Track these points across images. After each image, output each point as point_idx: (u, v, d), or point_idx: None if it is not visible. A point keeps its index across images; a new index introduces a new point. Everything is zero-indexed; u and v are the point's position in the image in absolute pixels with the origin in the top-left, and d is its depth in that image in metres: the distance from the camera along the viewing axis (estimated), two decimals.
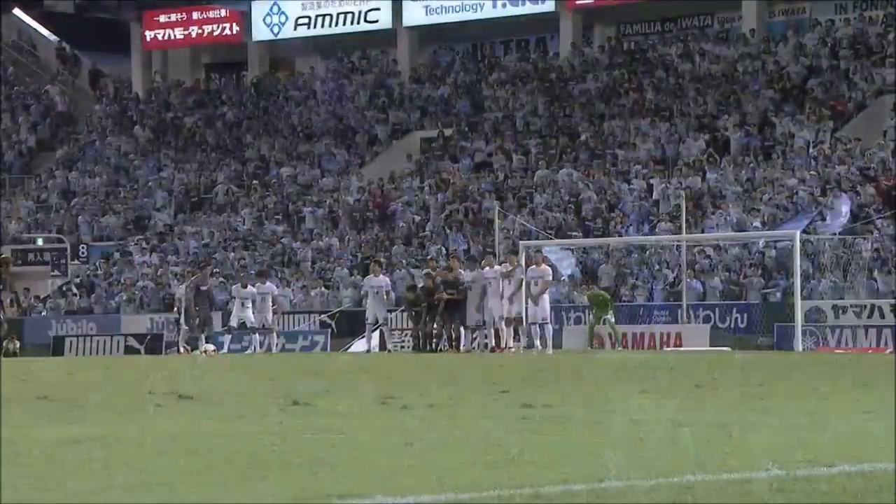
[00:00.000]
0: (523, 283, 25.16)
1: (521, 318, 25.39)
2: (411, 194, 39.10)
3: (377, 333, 27.80)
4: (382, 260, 31.96)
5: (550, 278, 25.90)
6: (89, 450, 6.70)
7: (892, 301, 27.31)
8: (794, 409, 9.08)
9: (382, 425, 8.09)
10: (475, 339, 26.45)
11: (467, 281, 25.94)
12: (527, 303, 25.16)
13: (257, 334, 28.23)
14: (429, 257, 29.49)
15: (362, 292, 28.82)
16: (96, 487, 5.24)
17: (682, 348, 27.62)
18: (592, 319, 28.27)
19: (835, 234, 30.07)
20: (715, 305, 29.85)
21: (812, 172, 33.28)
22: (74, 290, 38.97)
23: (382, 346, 27.90)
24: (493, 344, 25.73)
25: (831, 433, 7.25)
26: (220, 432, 7.60)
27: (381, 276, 27.70)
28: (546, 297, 25.15)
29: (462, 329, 26.11)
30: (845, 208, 30.25)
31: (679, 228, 31.00)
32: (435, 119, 42.84)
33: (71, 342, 33.98)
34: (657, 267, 32.11)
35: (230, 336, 28.81)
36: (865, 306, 27.87)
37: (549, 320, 25.18)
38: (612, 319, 28.08)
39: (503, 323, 25.46)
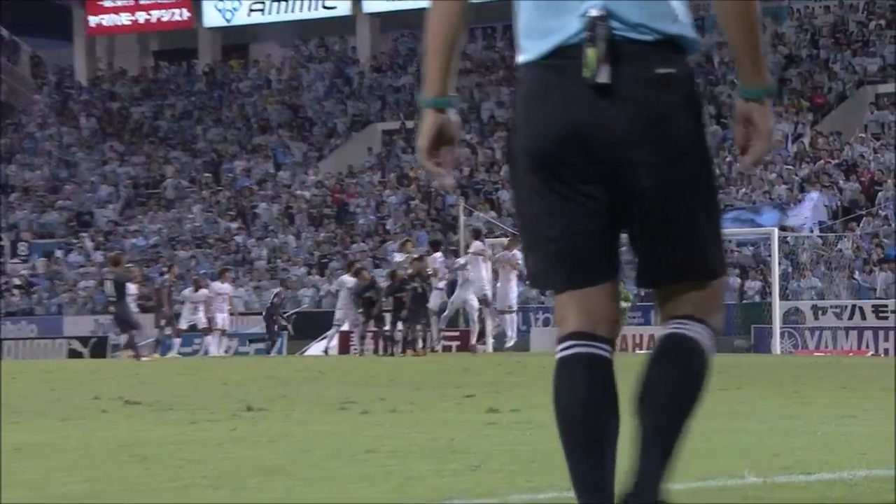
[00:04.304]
0: (489, 264, 25.52)
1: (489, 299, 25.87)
2: (371, 189, 39.09)
3: (336, 335, 27.88)
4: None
5: (519, 262, 26.04)
6: (31, 458, 6.67)
7: (894, 301, 27.46)
8: (771, 414, 9.16)
9: (341, 431, 8.10)
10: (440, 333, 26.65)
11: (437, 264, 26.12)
12: (495, 288, 25.57)
13: (210, 336, 28.20)
14: (406, 240, 29.47)
15: (333, 290, 28.88)
16: (39, 498, 5.23)
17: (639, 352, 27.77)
18: None
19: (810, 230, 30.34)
20: None
21: (789, 167, 33.52)
22: (13, 291, 38.70)
23: (342, 348, 27.95)
24: (475, 339, 26.00)
25: (810, 438, 7.32)
26: (170, 439, 7.59)
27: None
28: (514, 282, 25.43)
29: (426, 330, 26.23)
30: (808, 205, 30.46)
31: None
32: (396, 110, 42.85)
33: (9, 346, 33.75)
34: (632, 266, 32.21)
35: (179, 339, 28.78)
36: (846, 307, 28.11)
37: (514, 307, 25.56)
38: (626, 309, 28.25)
39: (479, 311, 25.74)
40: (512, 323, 25.65)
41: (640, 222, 3.22)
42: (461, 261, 25.74)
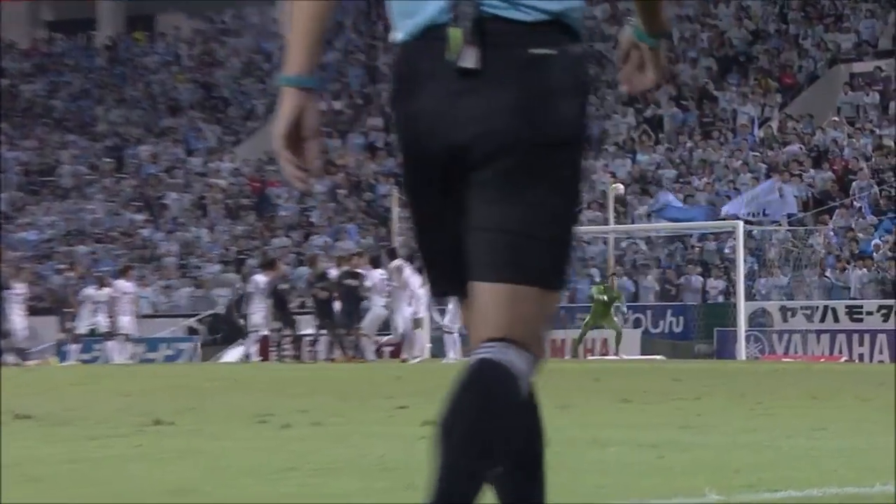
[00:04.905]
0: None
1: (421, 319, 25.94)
2: None
3: (254, 341, 27.83)
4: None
5: None
6: None
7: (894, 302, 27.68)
8: (734, 427, 9.27)
9: (259, 447, 8.10)
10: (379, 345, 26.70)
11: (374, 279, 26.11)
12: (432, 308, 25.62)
13: (112, 341, 28.00)
14: (341, 256, 29.32)
15: (249, 292, 28.68)
16: None
17: (608, 357, 27.97)
18: (589, 320, 28.18)
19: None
20: (647, 307, 30.22)
21: (755, 153, 33.83)
22: None
23: (262, 355, 27.91)
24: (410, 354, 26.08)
25: (776, 453, 7.42)
26: (67, 457, 7.55)
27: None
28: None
29: (359, 337, 26.24)
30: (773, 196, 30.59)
31: (606, 219, 31.37)
32: (321, 90, 42.77)
33: None
34: (581, 264, 32.43)
35: (78, 345, 28.59)
36: (817, 308, 28.38)
37: (454, 330, 25.55)
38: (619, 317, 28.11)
39: (411, 328, 25.85)
40: (455, 345, 25.53)
41: (479, 209, 3.10)
42: (395, 284, 25.75)
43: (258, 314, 27.28)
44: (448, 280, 3.25)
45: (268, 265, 27.83)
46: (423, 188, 3.19)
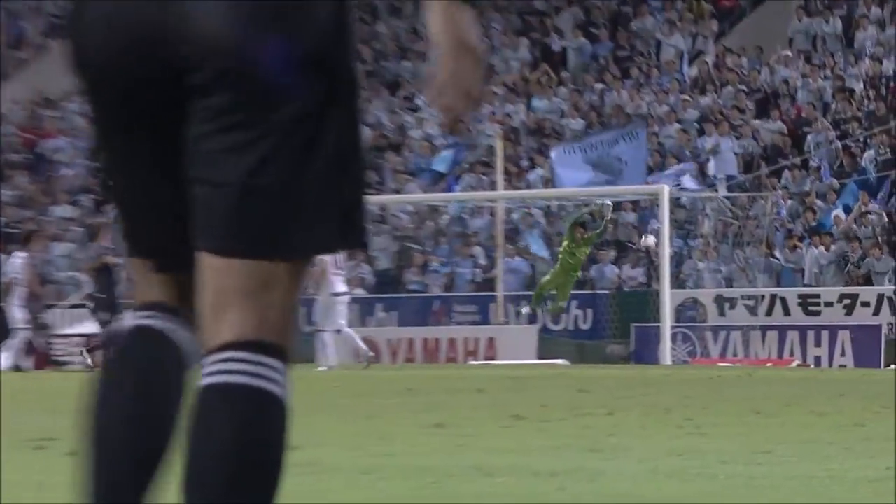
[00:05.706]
0: None
1: None
2: (80, 126, 38.70)
3: (23, 343, 27.59)
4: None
5: (329, 266, 25.77)
6: None
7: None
8: (657, 450, 9.44)
9: (37, 481, 8.09)
10: None
11: None
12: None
13: None
14: None
15: (12, 279, 28.47)
16: None
17: (496, 361, 28.20)
18: (553, 277, 28.19)
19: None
20: (546, 298, 30.48)
21: (686, 97, 34.22)
22: None
23: (39, 362, 27.69)
24: None
25: (710, 483, 7.59)
26: None
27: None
28: (332, 292, 25.49)
29: None
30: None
31: (494, 182, 31.53)
32: None
33: None
34: (462, 241, 32.59)
35: None
36: (762, 297, 28.82)
37: (324, 326, 25.54)
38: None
39: None
40: (326, 347, 25.43)
41: (198, 155, 3.04)
42: None
43: (23, 308, 27.06)
44: (147, 242, 3.20)
45: (25, 240, 27.62)
46: (114, 123, 3.13)
